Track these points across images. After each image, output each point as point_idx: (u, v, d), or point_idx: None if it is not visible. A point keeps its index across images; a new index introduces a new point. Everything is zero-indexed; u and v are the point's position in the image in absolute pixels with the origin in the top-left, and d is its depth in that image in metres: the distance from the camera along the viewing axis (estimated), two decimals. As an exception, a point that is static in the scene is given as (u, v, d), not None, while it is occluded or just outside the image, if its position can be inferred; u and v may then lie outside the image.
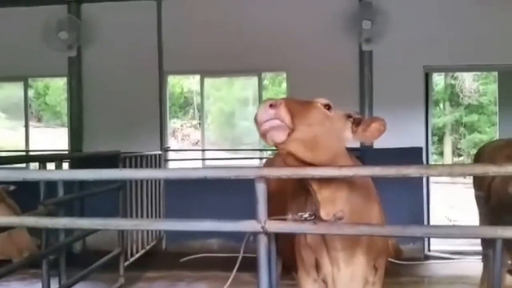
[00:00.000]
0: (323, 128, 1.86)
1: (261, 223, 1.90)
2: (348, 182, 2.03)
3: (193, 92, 14.24)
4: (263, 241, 1.93)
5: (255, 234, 1.94)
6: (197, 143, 12.71)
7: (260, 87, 6.86)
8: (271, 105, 1.68)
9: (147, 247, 5.73)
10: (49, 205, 3.27)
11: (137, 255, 5.34)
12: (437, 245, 6.08)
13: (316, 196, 2.00)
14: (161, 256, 6.15)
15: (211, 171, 2.35)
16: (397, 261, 5.35)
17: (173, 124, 13.81)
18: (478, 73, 12.55)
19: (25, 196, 3.35)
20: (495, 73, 7.76)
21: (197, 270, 5.52)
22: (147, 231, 5.76)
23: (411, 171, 1.95)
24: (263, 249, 1.93)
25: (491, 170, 1.98)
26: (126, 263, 4.89)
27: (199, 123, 12.76)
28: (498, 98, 7.66)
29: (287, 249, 2.55)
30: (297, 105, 1.82)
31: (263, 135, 1.74)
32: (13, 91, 8.58)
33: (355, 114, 2.04)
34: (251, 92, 7.07)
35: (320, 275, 2.21)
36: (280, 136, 1.70)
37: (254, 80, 6.85)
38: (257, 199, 1.92)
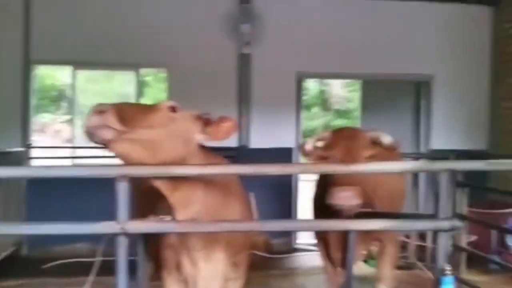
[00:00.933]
0: (163, 129, 1.90)
1: (121, 224, 1.85)
2: (203, 183, 2.08)
3: (67, 85, 13.25)
4: (122, 242, 1.88)
5: (114, 236, 1.88)
6: (70, 140, 11.81)
7: (139, 83, 6.65)
8: (99, 112, 1.74)
9: (4, 254, 5.17)
10: None
11: (-8, 263, 4.79)
12: (306, 238, 6.49)
13: (169, 200, 2.02)
14: (21, 263, 5.60)
15: (71, 169, 2.22)
16: (267, 255, 5.64)
17: (42, 119, 12.63)
18: (347, 80, 13.72)
19: None
20: (360, 81, 8.51)
21: (63, 276, 5.14)
22: (5, 236, 5.21)
23: (271, 169, 2.08)
24: (122, 251, 1.88)
25: (339, 169, 2.19)
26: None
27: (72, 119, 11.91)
28: (361, 105, 8.44)
29: (154, 251, 2.52)
30: (133, 108, 1.89)
31: (91, 135, 1.76)
32: None
33: (205, 115, 2.08)
34: (132, 87, 6.77)
35: (181, 275, 2.23)
36: (107, 134, 1.74)
37: (134, 75, 6.60)
38: (118, 200, 1.87)
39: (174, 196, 2.02)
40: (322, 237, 3.20)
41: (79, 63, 6.38)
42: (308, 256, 6.12)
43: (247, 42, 6.29)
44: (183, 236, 2.12)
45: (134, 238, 2.25)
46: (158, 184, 1.98)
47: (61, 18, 6.13)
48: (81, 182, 5.11)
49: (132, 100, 6.44)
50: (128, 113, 1.80)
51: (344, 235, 2.71)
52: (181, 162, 1.95)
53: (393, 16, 6.67)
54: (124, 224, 1.85)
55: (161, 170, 1.92)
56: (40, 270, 5.31)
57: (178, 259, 2.23)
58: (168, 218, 1.98)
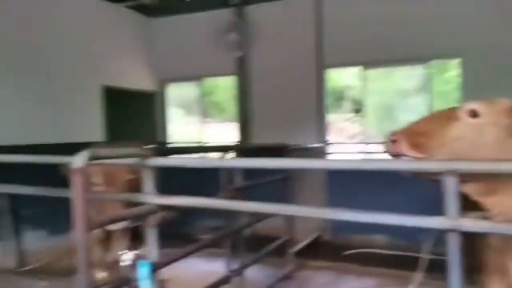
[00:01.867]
0: (464, 142, 1.72)
1: (453, 221, 1.76)
2: None
3: (349, 85, 14.03)
4: (454, 240, 1.79)
5: (441, 232, 1.81)
6: (354, 137, 12.46)
7: (427, 76, 6.42)
8: (392, 141, 1.75)
9: (312, 237, 5.85)
10: (228, 191, 3.57)
11: (303, 244, 5.49)
12: None
13: (484, 205, 1.81)
14: (325, 247, 6.20)
15: (386, 163, 2.23)
16: None
17: (329, 118, 13.82)
18: None
19: (204, 182, 3.72)
20: None
21: (362, 264, 5.42)
22: (313, 222, 5.91)
23: None
24: (455, 249, 1.79)
25: None
26: (293, 250, 5.05)
27: (355, 117, 12.54)
28: None
29: (469, 251, 2.33)
30: (425, 127, 1.77)
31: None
32: (185, 90, 9.59)
33: None
34: (412, 83, 6.64)
35: (504, 280, 1.97)
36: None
37: (416, 70, 6.43)
38: (447, 195, 1.77)
39: (489, 201, 1.81)
40: None
41: (368, 63, 6.62)
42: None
43: None
44: (509, 239, 1.87)
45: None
46: (468, 189, 1.79)
47: (349, 22, 6.50)
48: (377, 176, 5.27)
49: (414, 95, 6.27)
50: (421, 136, 1.74)
51: None
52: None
53: None
54: (456, 220, 1.75)
55: (495, 166, 1.73)
56: (340, 256, 5.74)
57: (503, 264, 1.98)
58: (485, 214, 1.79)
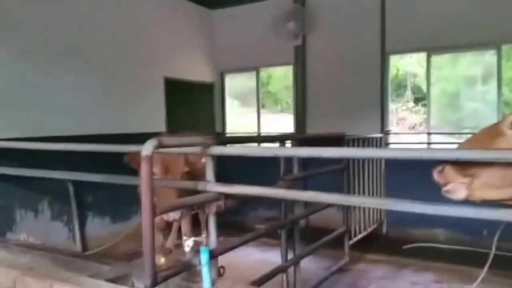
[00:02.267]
0: None
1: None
2: None
3: (411, 73, 13.47)
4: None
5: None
6: (413, 127, 11.98)
7: (497, 62, 6.03)
8: (438, 172, 1.77)
9: (369, 230, 5.73)
10: (286, 182, 3.55)
11: (359, 236, 5.40)
12: None
13: None
14: (382, 240, 6.08)
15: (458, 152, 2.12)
16: None
17: (389, 108, 13.38)
18: None
19: (261, 173, 3.74)
20: None
21: (420, 259, 5.27)
22: (370, 214, 5.78)
23: None
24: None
25: None
26: (349, 243, 4.97)
27: (417, 106, 12.03)
28: None
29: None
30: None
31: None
32: (241, 81, 9.65)
33: None
34: (478, 69, 6.27)
35: None
36: (459, 195, 1.71)
37: (483, 55, 6.07)
38: None
39: None
40: None
41: (433, 48, 6.33)
42: None
43: None
44: None
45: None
46: None
47: (414, 6, 6.23)
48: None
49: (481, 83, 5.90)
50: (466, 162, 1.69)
51: None
52: None
53: None
54: None
55: None
56: (398, 249, 5.60)
57: None
58: None
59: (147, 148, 2.15)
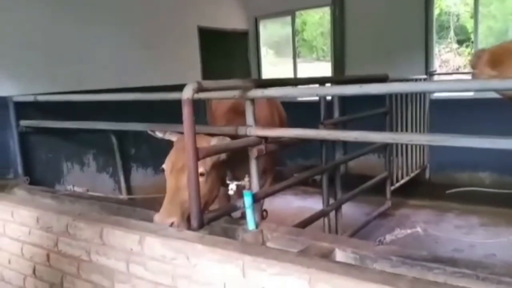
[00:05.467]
0: None
1: None
2: None
3: (453, 13, 12.69)
4: None
5: None
6: (457, 69, 11.47)
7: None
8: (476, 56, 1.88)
9: (412, 175, 5.61)
10: (328, 125, 3.48)
11: (401, 181, 5.30)
12: None
13: None
14: (425, 185, 5.96)
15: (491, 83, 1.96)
16: None
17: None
18: None
19: (302, 118, 3.67)
20: None
21: (464, 203, 5.15)
22: (412, 160, 5.64)
23: None
24: None
25: None
26: (391, 188, 4.89)
27: (462, 47, 11.39)
28: None
29: None
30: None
31: None
32: (275, 29, 9.36)
33: None
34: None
35: None
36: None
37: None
38: None
39: None
40: None
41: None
42: None
43: None
44: None
45: None
46: None
47: None
48: (484, 103, 4.82)
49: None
50: (502, 54, 1.81)
51: None
52: None
53: None
54: None
55: None
56: (442, 194, 5.49)
57: None
58: None
59: (187, 92, 2.14)
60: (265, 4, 7.70)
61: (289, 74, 7.95)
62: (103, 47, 5.43)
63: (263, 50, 8.67)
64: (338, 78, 5.95)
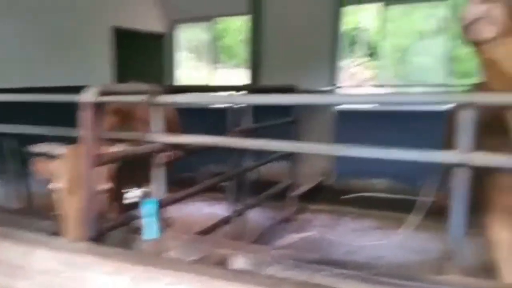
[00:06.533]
0: None
1: (464, 154, 1.69)
2: None
3: (363, 28, 13.55)
4: (462, 175, 1.74)
5: (450, 167, 1.76)
6: (365, 82, 12.23)
7: (447, 16, 6.13)
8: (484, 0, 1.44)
9: (315, 182, 5.92)
10: (235, 133, 3.56)
11: (304, 188, 5.56)
12: None
13: None
14: (327, 191, 6.28)
15: (405, 96, 2.15)
16: None
17: (341, 63, 13.58)
18: None
19: (210, 124, 3.70)
20: None
21: (361, 207, 5.53)
22: (316, 167, 5.95)
23: None
24: (462, 185, 1.75)
25: None
26: (295, 194, 5.12)
27: (369, 61, 12.20)
28: None
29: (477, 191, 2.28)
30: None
31: (466, 28, 1.50)
32: (195, 33, 9.34)
33: None
34: (432, 23, 6.39)
35: None
36: (487, 32, 1.45)
37: (437, 9, 6.14)
38: (461, 128, 1.69)
39: None
40: None
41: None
42: None
43: None
44: None
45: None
46: None
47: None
48: (386, 116, 5.20)
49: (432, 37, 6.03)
50: None
51: None
52: None
53: None
54: (467, 154, 1.67)
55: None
56: (341, 200, 5.83)
57: None
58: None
59: (88, 95, 2.07)
60: (184, 8, 7.65)
61: (208, 80, 7.99)
62: (4, 42, 5.05)
63: (183, 54, 8.60)
64: (247, 86, 6.09)
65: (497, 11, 1.43)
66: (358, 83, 14.08)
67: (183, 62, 8.78)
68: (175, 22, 7.98)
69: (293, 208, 4.99)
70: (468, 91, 1.97)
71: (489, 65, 1.56)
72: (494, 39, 1.46)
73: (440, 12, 6.22)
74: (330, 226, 4.95)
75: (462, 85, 5.54)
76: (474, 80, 4.52)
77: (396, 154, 1.90)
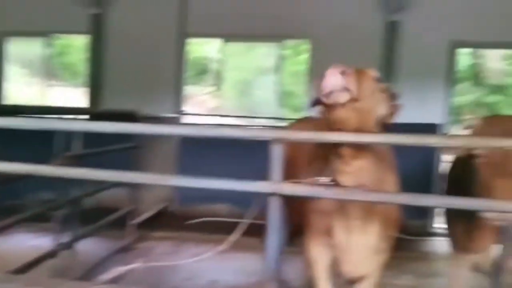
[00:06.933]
0: (372, 99, 1.90)
1: (275, 185, 1.86)
2: (375, 154, 1.99)
3: (211, 58, 14.07)
4: (275, 203, 1.90)
5: (266, 196, 1.91)
6: (212, 110, 12.62)
7: (282, 55, 6.73)
8: (342, 72, 1.77)
9: (156, 209, 5.80)
10: (64, 159, 3.28)
11: (145, 215, 5.41)
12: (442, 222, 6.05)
13: (343, 166, 1.94)
14: (169, 218, 6.22)
15: (227, 130, 2.30)
16: (403, 236, 5.35)
17: (189, 90, 13.85)
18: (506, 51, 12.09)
19: (38, 148, 3.37)
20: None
21: (203, 232, 5.58)
22: (158, 193, 5.83)
23: (433, 140, 1.90)
24: (275, 212, 1.90)
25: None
26: (135, 222, 4.93)
27: (215, 91, 12.69)
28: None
29: (295, 214, 2.51)
30: (357, 75, 1.85)
31: (326, 95, 1.80)
32: (31, 48, 8.57)
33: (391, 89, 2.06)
34: (271, 61, 6.97)
35: (331, 241, 2.19)
36: (342, 98, 1.78)
37: (275, 48, 6.74)
38: (272, 161, 1.88)
39: (353, 162, 1.94)
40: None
41: (229, 36, 6.66)
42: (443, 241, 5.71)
43: (395, 8, 5.94)
44: (340, 203, 2.08)
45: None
46: (345, 149, 1.94)
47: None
48: (231, 145, 5.40)
49: (272, 73, 6.57)
50: (361, 80, 1.84)
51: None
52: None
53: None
54: (278, 185, 1.86)
55: (316, 136, 1.90)
56: (184, 225, 5.83)
57: (329, 225, 2.18)
58: (324, 179, 1.95)
59: None
60: (16, 20, 6.93)
61: (41, 98, 7.30)
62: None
63: (14, 69, 7.74)
64: (87, 110, 5.76)
65: (351, 83, 1.78)
66: (206, 111, 14.48)
67: (14, 77, 7.91)
68: (4, 33, 7.18)
69: (133, 237, 4.77)
70: (287, 126, 2.16)
71: (338, 122, 1.88)
72: (345, 103, 1.81)
73: (277, 51, 6.78)
74: (171, 253, 4.86)
75: (290, 119, 6.06)
76: (302, 114, 5.03)
77: (218, 184, 1.98)
